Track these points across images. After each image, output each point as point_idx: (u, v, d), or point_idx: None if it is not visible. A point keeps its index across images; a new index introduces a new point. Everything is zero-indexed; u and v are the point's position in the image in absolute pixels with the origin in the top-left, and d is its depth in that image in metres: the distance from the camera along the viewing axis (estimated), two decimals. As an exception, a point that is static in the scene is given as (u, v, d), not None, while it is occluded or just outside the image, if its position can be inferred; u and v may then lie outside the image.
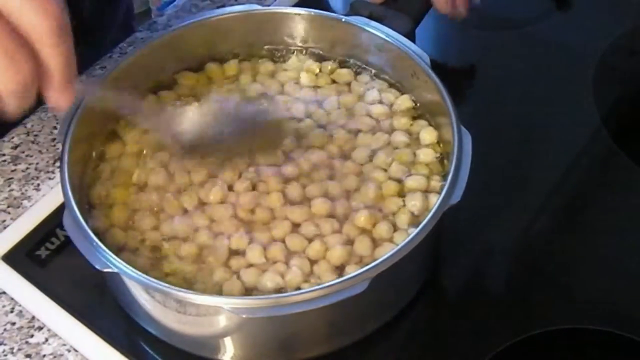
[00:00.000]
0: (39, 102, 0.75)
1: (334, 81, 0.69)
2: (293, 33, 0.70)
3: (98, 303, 0.61)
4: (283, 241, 0.57)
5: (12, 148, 0.72)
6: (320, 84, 0.68)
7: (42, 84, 0.49)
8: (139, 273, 0.52)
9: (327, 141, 0.63)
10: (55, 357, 0.59)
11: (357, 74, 0.69)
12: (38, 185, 0.69)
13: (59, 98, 0.50)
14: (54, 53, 0.47)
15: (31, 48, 0.46)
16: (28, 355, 0.59)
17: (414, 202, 0.59)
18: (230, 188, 0.61)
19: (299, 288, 0.55)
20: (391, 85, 0.68)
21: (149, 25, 0.83)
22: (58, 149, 0.71)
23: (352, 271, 0.54)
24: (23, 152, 0.71)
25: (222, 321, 0.53)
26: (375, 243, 0.57)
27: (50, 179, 0.69)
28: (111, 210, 0.60)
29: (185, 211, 0.60)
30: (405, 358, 0.59)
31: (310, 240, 0.57)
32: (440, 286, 0.63)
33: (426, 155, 0.62)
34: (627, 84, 0.80)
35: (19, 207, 0.67)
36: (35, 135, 0.72)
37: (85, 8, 0.81)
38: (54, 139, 0.72)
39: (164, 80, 0.69)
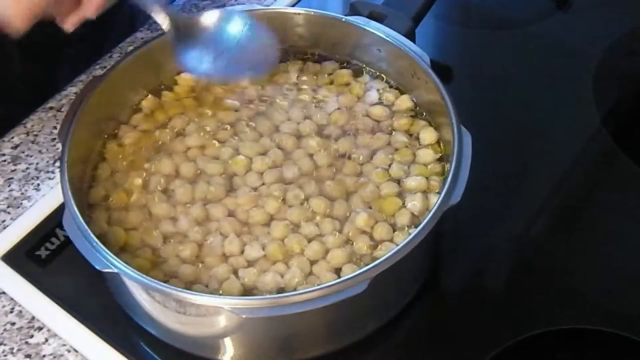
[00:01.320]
0: (39, 102, 0.75)
1: (333, 82, 0.69)
2: (293, 33, 0.70)
3: (98, 303, 0.61)
4: (282, 241, 0.57)
5: (12, 148, 0.72)
6: (320, 85, 0.68)
7: None
8: (139, 273, 0.52)
9: (327, 143, 0.64)
10: (55, 357, 0.59)
11: (357, 74, 0.69)
12: (38, 185, 0.69)
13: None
14: None
15: None
16: (28, 356, 0.59)
17: (414, 203, 0.59)
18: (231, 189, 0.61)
19: (298, 288, 0.55)
20: (391, 86, 0.68)
21: (149, 25, 0.83)
22: (58, 149, 0.71)
23: (351, 271, 0.54)
24: (23, 152, 0.71)
25: (222, 321, 0.53)
26: (375, 243, 0.57)
27: (50, 179, 0.69)
28: (111, 211, 0.60)
29: (185, 212, 0.60)
30: (405, 358, 0.59)
31: (310, 241, 0.57)
32: (440, 286, 0.63)
33: (426, 155, 0.62)
34: (627, 84, 0.80)
35: (19, 207, 0.67)
36: (35, 135, 0.72)
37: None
38: (54, 139, 0.72)
39: (164, 80, 0.69)
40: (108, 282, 0.59)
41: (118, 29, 0.84)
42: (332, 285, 0.51)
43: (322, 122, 0.65)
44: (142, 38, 0.81)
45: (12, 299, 0.62)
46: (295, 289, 0.55)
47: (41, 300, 0.61)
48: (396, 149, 0.63)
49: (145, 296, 0.54)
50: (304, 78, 0.69)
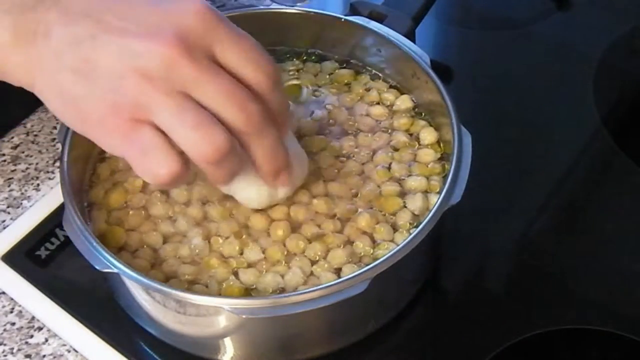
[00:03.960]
0: (40, 101, 0.75)
1: (334, 81, 0.69)
2: (293, 33, 0.70)
3: (98, 303, 0.61)
4: (283, 242, 0.57)
5: (12, 148, 0.72)
6: (320, 84, 0.68)
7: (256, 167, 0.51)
8: (139, 273, 0.52)
9: (327, 143, 0.64)
10: (55, 357, 0.59)
11: (357, 74, 0.69)
12: (38, 185, 0.69)
13: (271, 182, 0.52)
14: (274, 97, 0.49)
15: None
16: (28, 356, 0.59)
17: (414, 202, 0.59)
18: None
19: (298, 289, 0.55)
20: (391, 86, 0.68)
21: (148, 25, 0.82)
22: (58, 149, 0.71)
23: (351, 271, 0.54)
24: (23, 152, 0.71)
25: (222, 321, 0.53)
26: (376, 243, 0.57)
27: (50, 179, 0.69)
28: (111, 211, 0.60)
29: (183, 212, 0.60)
30: (405, 358, 0.59)
31: (310, 241, 0.57)
32: (440, 286, 0.63)
33: (426, 155, 0.62)
34: (627, 84, 0.80)
35: (19, 207, 0.67)
36: (35, 135, 0.72)
37: None
38: (53, 139, 0.72)
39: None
40: (108, 282, 0.59)
41: None
42: (332, 285, 0.51)
43: (323, 122, 0.65)
44: (142, 38, 0.81)
45: (12, 299, 0.62)
46: (295, 290, 0.55)
47: (41, 300, 0.61)
48: (396, 149, 0.63)
49: (145, 296, 0.54)
50: (304, 78, 0.69)
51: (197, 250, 0.57)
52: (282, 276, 0.55)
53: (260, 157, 0.50)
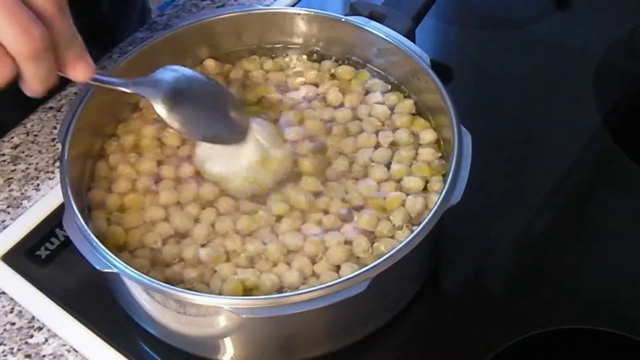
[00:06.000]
0: (39, 102, 0.75)
1: (335, 78, 0.69)
2: (293, 33, 0.70)
3: (98, 303, 0.61)
4: (283, 241, 0.57)
5: (12, 148, 0.72)
6: (320, 83, 0.68)
7: (57, 58, 0.50)
8: (139, 273, 0.52)
9: (328, 142, 0.64)
10: (55, 357, 0.59)
11: (357, 71, 0.69)
12: (38, 185, 0.69)
13: (75, 70, 0.52)
14: (61, 23, 0.49)
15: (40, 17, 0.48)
16: (28, 356, 0.59)
17: (414, 202, 0.59)
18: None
19: (298, 288, 0.55)
20: (391, 86, 0.68)
21: (149, 25, 0.83)
22: (58, 149, 0.71)
23: (351, 271, 0.54)
24: (23, 152, 0.71)
25: (222, 321, 0.53)
26: (375, 242, 0.57)
27: (50, 179, 0.69)
28: (110, 211, 0.60)
29: (184, 211, 0.60)
30: (405, 358, 0.59)
31: (310, 240, 0.57)
32: (440, 286, 0.63)
33: (426, 155, 0.62)
34: (627, 84, 0.80)
35: (18, 207, 0.67)
36: (35, 135, 0.72)
37: (105, 10, 0.81)
38: (53, 139, 0.72)
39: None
40: (108, 282, 0.59)
41: (132, 29, 0.83)
42: (332, 285, 0.51)
43: (324, 118, 0.65)
44: (142, 38, 0.81)
45: (12, 299, 0.62)
46: (295, 289, 0.55)
47: (41, 300, 0.61)
48: (396, 149, 0.63)
49: (145, 296, 0.54)
50: (305, 77, 0.69)
51: (199, 239, 0.57)
52: (282, 275, 0.55)
53: (33, 81, 0.50)
